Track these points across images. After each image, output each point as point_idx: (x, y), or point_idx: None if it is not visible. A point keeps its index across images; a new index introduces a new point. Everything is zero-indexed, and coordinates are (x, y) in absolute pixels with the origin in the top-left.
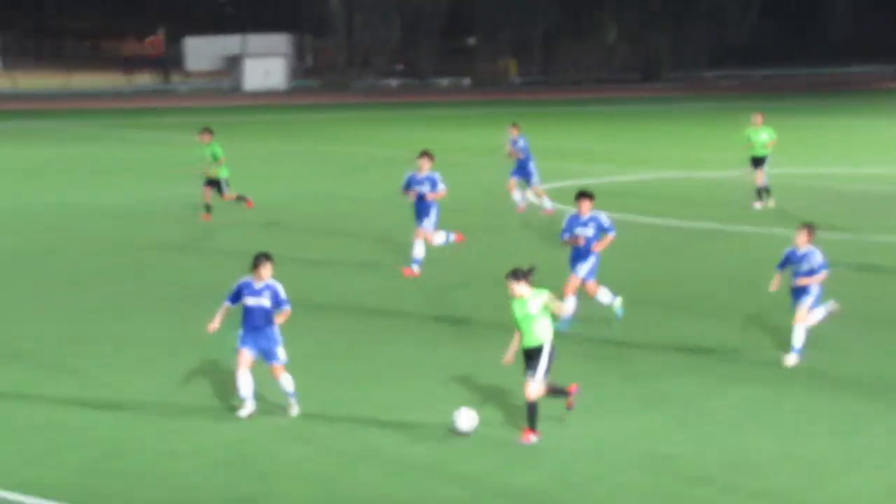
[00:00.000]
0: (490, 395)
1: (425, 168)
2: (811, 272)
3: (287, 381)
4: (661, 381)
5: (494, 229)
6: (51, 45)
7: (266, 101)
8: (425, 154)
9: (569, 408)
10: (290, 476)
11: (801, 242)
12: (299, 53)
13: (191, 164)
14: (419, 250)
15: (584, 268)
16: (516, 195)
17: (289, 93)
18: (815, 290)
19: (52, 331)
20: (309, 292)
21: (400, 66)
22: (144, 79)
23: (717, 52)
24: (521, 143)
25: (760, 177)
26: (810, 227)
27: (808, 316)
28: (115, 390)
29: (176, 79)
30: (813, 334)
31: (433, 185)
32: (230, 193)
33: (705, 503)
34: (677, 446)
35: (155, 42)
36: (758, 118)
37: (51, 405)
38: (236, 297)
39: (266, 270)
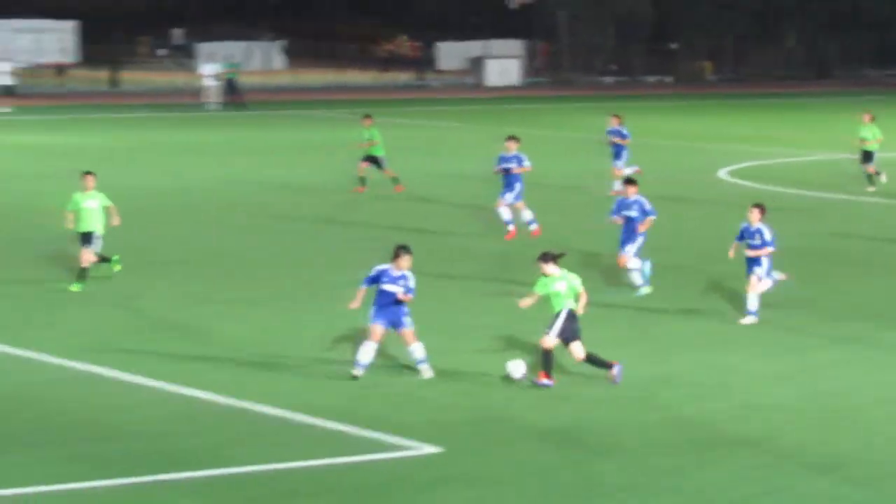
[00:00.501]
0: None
1: (512, 149)
2: (762, 245)
3: (418, 348)
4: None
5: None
6: (326, 47)
7: (503, 94)
8: (512, 137)
9: (612, 381)
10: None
11: (754, 220)
12: (531, 55)
13: (445, 144)
14: (506, 214)
15: (632, 248)
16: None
17: (522, 88)
18: (765, 262)
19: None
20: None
21: (614, 67)
22: (403, 76)
23: (881, 53)
24: (623, 132)
25: (869, 167)
26: (761, 207)
27: (758, 284)
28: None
29: (429, 76)
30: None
31: (519, 162)
32: (389, 169)
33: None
34: None
35: (411, 46)
36: (866, 117)
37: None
38: (373, 280)
39: (405, 262)
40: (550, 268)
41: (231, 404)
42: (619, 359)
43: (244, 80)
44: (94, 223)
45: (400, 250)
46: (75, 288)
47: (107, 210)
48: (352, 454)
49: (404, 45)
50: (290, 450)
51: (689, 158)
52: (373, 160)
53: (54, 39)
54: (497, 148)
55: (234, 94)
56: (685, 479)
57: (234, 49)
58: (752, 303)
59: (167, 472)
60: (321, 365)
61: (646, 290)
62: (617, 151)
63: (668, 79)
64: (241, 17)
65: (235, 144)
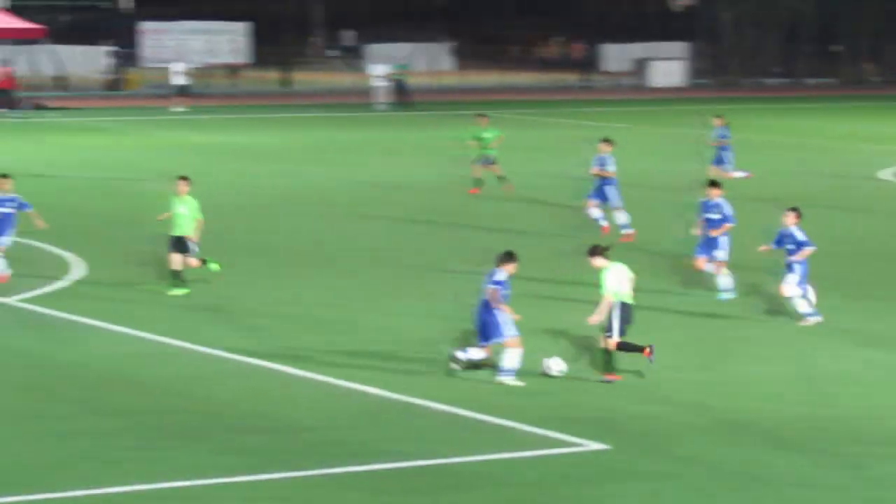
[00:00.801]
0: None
1: (605, 151)
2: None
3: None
4: None
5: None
6: (493, 48)
7: (666, 95)
8: (606, 140)
9: (649, 358)
10: None
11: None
12: (695, 57)
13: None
14: (595, 213)
15: (719, 253)
16: (738, 173)
17: (685, 89)
18: (798, 267)
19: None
20: None
21: (778, 69)
22: (568, 77)
23: None
24: (725, 133)
25: None
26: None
27: (786, 289)
28: None
29: (595, 77)
30: None
31: (602, 165)
32: (497, 167)
33: None
34: None
35: (575, 48)
36: None
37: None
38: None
39: (511, 268)
40: (597, 261)
41: (398, 399)
42: (787, 358)
43: (412, 80)
44: (185, 228)
45: (506, 256)
46: (175, 292)
47: (196, 219)
48: (519, 450)
49: (566, 47)
50: (456, 445)
51: (851, 158)
52: (485, 160)
53: (227, 41)
54: (664, 147)
55: (402, 94)
56: (855, 475)
57: (402, 50)
58: (802, 306)
59: (335, 465)
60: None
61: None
62: (720, 153)
63: (831, 80)
64: (409, 19)
65: (404, 143)
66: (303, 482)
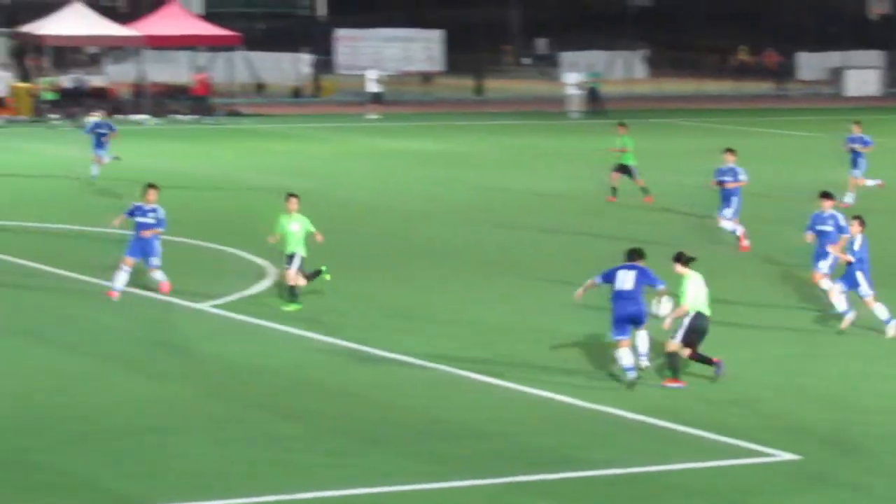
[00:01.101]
0: None
1: (729, 161)
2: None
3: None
4: None
5: None
6: (686, 56)
7: (863, 104)
8: (729, 150)
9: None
10: None
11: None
12: (892, 66)
13: (805, 154)
14: (730, 226)
15: (825, 264)
16: (868, 182)
17: (882, 98)
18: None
19: None
20: None
21: None
22: (763, 86)
23: None
24: (866, 139)
25: None
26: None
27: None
28: None
29: (789, 86)
30: None
31: (735, 176)
32: (640, 180)
33: None
34: None
35: (768, 56)
36: None
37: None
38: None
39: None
40: (679, 268)
41: (584, 406)
42: None
43: (606, 88)
44: (297, 245)
45: (634, 253)
46: (291, 308)
47: (310, 234)
48: (710, 460)
49: (755, 55)
50: (646, 454)
51: None
52: (624, 169)
53: (421, 48)
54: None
55: (596, 102)
56: None
57: (596, 58)
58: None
59: (522, 473)
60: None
61: (849, 319)
62: (855, 160)
63: None
64: (602, 27)
65: (596, 151)
66: (491, 490)
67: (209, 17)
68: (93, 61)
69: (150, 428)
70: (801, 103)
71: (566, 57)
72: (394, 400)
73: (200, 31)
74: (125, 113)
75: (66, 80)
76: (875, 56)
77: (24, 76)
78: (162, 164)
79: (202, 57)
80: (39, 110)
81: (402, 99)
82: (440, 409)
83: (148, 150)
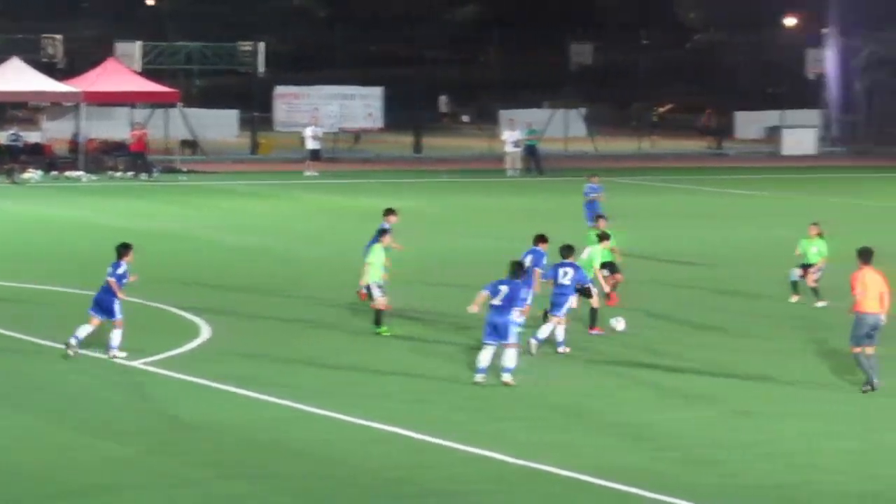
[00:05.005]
0: None
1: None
2: None
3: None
4: None
5: None
6: (627, 115)
7: (799, 163)
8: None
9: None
10: None
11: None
12: (827, 125)
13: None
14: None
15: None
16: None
17: (818, 157)
18: None
19: None
20: None
21: None
22: (701, 145)
23: None
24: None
25: None
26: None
27: None
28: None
29: (727, 145)
30: None
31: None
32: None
33: None
34: None
35: (708, 114)
36: None
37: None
38: None
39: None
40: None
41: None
42: None
43: (544, 146)
44: (375, 276)
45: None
46: (382, 331)
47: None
48: None
49: (686, 113)
50: None
51: None
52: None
53: (361, 105)
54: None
55: (534, 160)
56: None
57: (535, 116)
58: None
59: None
60: None
61: None
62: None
63: None
64: (541, 85)
65: (533, 210)
66: None
67: (147, 73)
68: (30, 118)
69: (96, 486)
70: (739, 162)
71: (505, 114)
72: (342, 457)
73: (139, 88)
74: (61, 170)
75: (2, 137)
76: (812, 115)
77: None
78: (101, 220)
79: (140, 113)
80: None
81: (340, 156)
82: (391, 469)
83: (87, 206)
